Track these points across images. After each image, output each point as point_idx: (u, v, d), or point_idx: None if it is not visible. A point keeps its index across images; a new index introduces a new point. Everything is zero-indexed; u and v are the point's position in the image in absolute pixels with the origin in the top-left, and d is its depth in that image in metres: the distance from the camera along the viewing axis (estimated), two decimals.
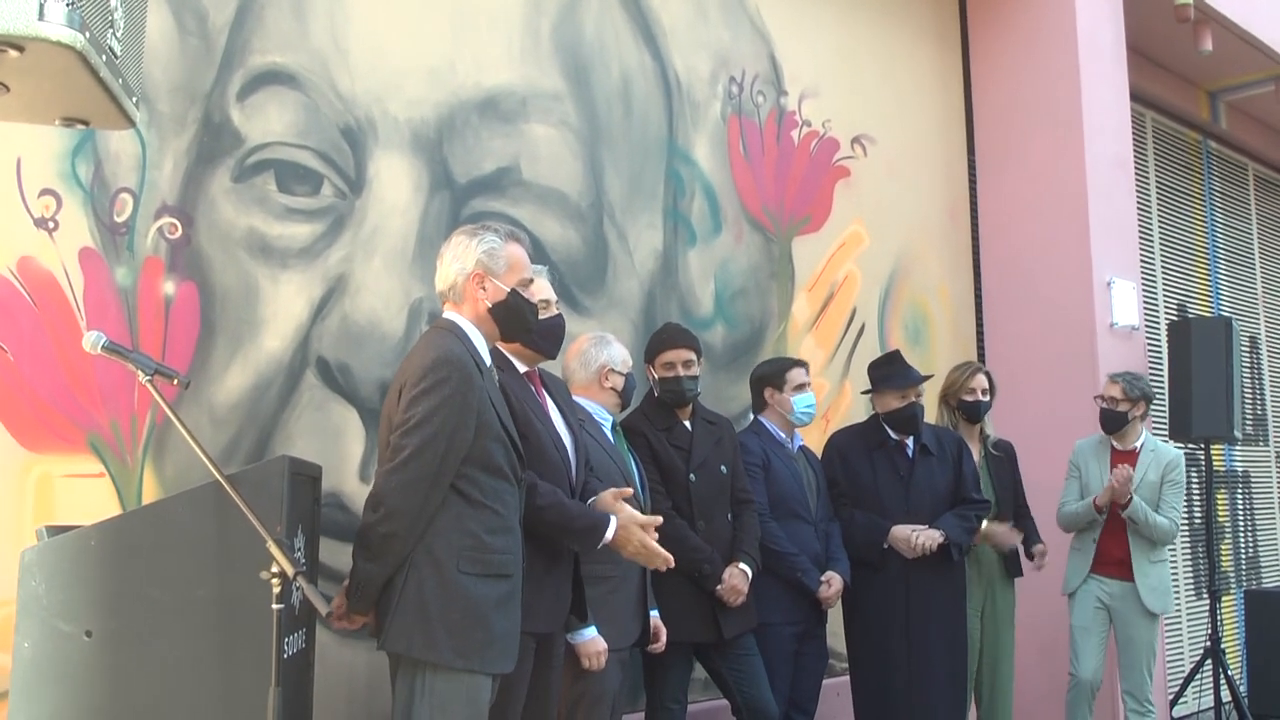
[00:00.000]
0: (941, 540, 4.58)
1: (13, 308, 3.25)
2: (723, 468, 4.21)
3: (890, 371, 4.82)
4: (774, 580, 4.34)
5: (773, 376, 4.59)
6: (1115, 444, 5.44)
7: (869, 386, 4.87)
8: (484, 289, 3.09)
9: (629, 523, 3.26)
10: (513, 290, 3.12)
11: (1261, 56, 7.86)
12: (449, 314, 3.13)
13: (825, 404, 5.58)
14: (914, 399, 4.76)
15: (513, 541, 3.01)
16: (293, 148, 3.87)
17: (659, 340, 4.28)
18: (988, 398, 5.23)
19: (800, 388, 4.53)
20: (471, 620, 2.87)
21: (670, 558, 3.32)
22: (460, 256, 3.11)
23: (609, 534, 3.23)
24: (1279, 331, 9.63)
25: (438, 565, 2.88)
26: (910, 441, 4.80)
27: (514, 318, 3.13)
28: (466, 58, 4.36)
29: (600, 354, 3.91)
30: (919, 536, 4.55)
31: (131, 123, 2.43)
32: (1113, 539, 5.32)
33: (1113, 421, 5.41)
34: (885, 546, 4.60)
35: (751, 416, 4.71)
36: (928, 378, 4.83)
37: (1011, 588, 5.25)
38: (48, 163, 3.35)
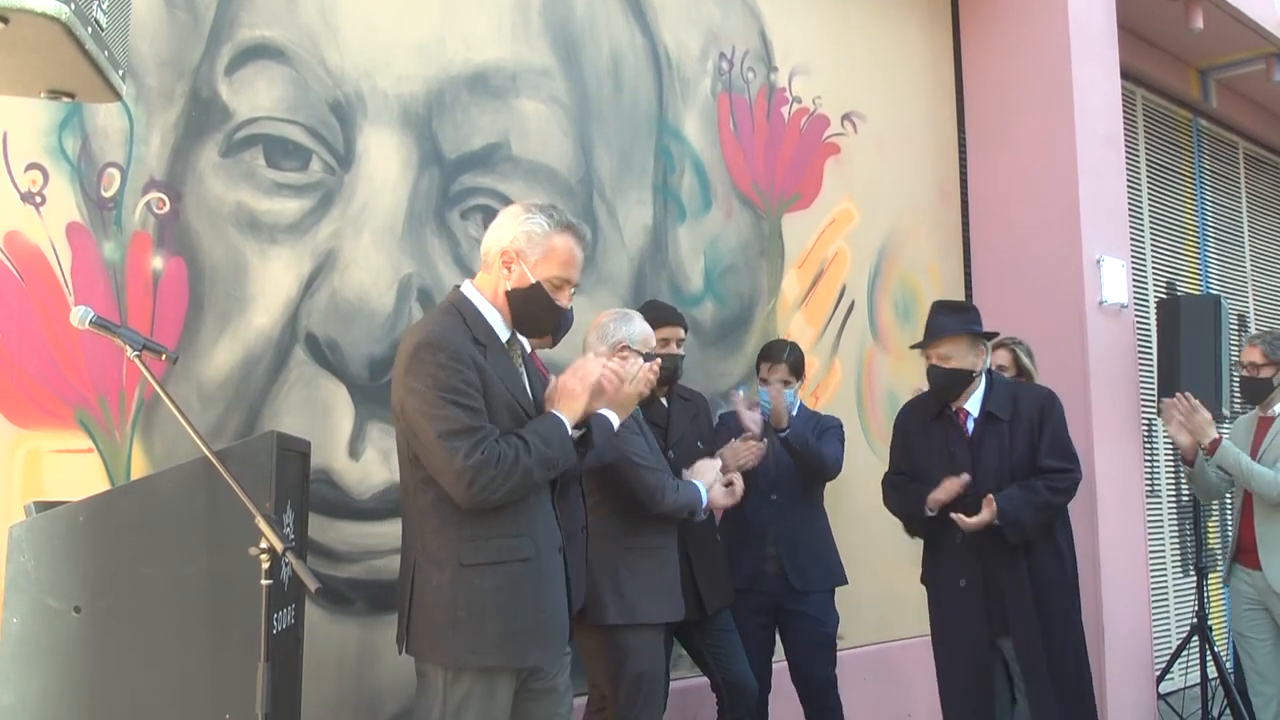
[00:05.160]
0: (988, 519, 3.99)
1: (0, 283, 3.24)
2: (699, 443, 4.22)
3: (928, 327, 4.34)
4: (739, 554, 4.40)
5: (758, 362, 4.61)
6: (1259, 412, 5.10)
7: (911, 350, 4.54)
8: (509, 270, 2.90)
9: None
10: (537, 283, 2.90)
11: (1252, 34, 7.85)
12: (467, 286, 2.97)
13: (815, 382, 5.58)
14: (935, 361, 4.22)
15: (523, 520, 2.86)
16: (281, 123, 3.85)
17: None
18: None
19: (762, 381, 4.51)
20: (480, 615, 2.77)
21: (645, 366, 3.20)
22: (504, 226, 2.93)
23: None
24: (1268, 309, 9.66)
25: (438, 564, 2.80)
26: (973, 409, 4.24)
27: (529, 311, 2.93)
28: (456, 33, 4.34)
29: (619, 329, 3.76)
30: (963, 521, 4.03)
31: (118, 96, 2.42)
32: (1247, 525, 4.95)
33: (1257, 390, 5.06)
34: (931, 513, 4.15)
35: (740, 392, 4.71)
36: (976, 333, 4.27)
37: None
38: (34, 137, 3.33)
